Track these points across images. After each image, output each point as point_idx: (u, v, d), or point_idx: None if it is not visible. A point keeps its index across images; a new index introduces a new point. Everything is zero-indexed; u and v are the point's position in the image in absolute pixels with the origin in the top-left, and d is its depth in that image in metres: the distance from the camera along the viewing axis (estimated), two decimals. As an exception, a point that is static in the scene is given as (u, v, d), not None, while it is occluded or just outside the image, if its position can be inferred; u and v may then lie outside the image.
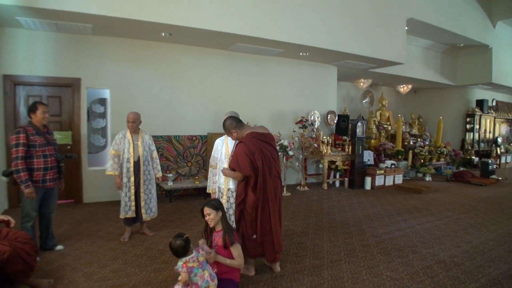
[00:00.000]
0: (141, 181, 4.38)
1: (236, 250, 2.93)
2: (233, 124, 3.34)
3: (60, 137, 5.90)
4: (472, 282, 3.37)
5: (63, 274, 3.36)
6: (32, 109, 3.72)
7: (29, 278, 2.96)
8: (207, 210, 2.97)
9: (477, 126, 12.53)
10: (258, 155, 3.20)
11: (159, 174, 4.61)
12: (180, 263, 2.70)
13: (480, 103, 12.60)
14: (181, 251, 2.73)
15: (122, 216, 4.38)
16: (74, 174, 6.03)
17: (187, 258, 2.73)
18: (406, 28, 8.36)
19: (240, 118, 3.94)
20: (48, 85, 5.84)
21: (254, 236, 3.30)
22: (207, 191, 4.12)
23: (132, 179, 4.33)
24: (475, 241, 4.58)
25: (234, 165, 3.26)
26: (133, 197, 4.34)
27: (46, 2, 4.54)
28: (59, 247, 4.01)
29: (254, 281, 3.33)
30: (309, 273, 3.53)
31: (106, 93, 6.35)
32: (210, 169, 4.05)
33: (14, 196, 5.45)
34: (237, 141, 3.45)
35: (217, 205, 3.01)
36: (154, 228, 4.80)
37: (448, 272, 3.59)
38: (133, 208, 4.35)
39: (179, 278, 2.73)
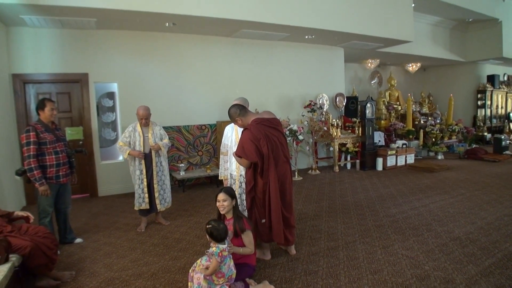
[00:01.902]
0: (154, 173, 4.41)
1: (247, 237, 2.95)
2: (237, 112, 3.33)
3: (72, 132, 5.98)
4: (489, 258, 3.36)
5: (83, 266, 3.43)
6: (40, 106, 3.74)
7: (52, 271, 3.02)
8: (222, 196, 2.99)
9: (488, 102, 12.32)
10: (264, 141, 3.18)
11: (159, 143, 4.43)
12: (217, 250, 2.69)
13: (491, 79, 12.35)
14: (224, 235, 2.76)
15: (136, 208, 4.44)
16: (88, 169, 6.12)
17: (224, 246, 2.74)
18: (413, 5, 8.19)
19: (249, 104, 3.96)
20: (56, 82, 5.89)
21: (263, 220, 3.32)
22: (219, 178, 4.17)
23: (144, 171, 4.36)
24: (490, 217, 4.54)
25: (240, 152, 3.25)
26: (146, 189, 4.38)
27: (49, -1, 4.55)
28: (78, 240, 4.09)
29: (271, 264, 3.37)
30: (324, 254, 3.55)
31: (114, 87, 6.38)
32: (221, 156, 4.08)
33: (31, 193, 5.55)
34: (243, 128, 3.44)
35: (233, 193, 3.05)
36: (169, 217, 4.86)
37: (464, 249, 3.58)
38: (146, 200, 4.39)
39: (203, 263, 2.73)
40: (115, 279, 3.16)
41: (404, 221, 4.49)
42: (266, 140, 3.20)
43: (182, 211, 5.23)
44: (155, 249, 3.81)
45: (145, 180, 4.36)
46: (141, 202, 4.40)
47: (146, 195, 4.39)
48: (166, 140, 4.51)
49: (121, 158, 6.42)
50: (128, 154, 4.29)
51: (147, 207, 4.41)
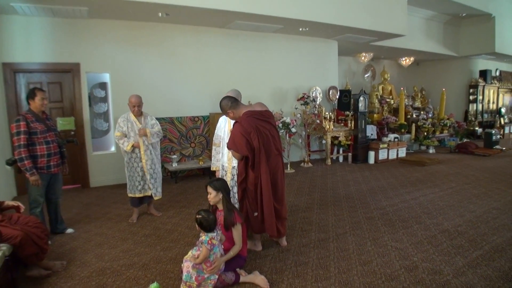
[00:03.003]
0: (147, 163, 4.39)
1: (236, 231, 2.95)
2: (228, 104, 3.32)
3: (63, 123, 5.92)
4: (476, 250, 3.41)
5: (74, 256, 3.43)
6: (30, 95, 3.70)
7: (42, 260, 3.01)
8: (209, 189, 3.01)
9: (480, 97, 12.43)
10: (254, 134, 3.17)
11: (147, 129, 4.36)
12: (206, 238, 2.74)
13: (484, 74, 12.44)
14: (213, 226, 2.79)
15: (129, 194, 4.43)
16: (80, 159, 6.07)
17: (213, 235, 2.78)
18: (407, -2, 8.18)
19: (241, 97, 3.95)
20: (47, 71, 5.81)
21: (255, 214, 3.33)
22: (212, 169, 4.17)
23: (144, 160, 4.35)
24: (479, 210, 4.60)
25: (231, 145, 3.25)
26: (141, 177, 4.37)
27: (40, -14, 4.48)
28: (69, 230, 4.07)
29: (262, 255, 3.39)
30: (315, 246, 3.58)
31: (106, 77, 6.31)
32: (213, 147, 4.07)
33: (22, 183, 5.48)
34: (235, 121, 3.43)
35: (218, 186, 3.01)
36: (161, 209, 4.86)
37: (452, 241, 3.62)
38: (139, 187, 4.39)
39: (194, 253, 2.76)
40: (106, 269, 3.16)
41: (394, 213, 4.54)
42: (257, 133, 3.19)
43: (174, 202, 5.23)
44: (146, 240, 3.81)
45: (145, 167, 4.34)
46: (135, 190, 4.38)
47: (142, 182, 4.37)
48: (156, 129, 4.47)
49: (113, 148, 6.38)
50: (132, 147, 4.27)
51: (141, 194, 4.40)
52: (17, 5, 4.96)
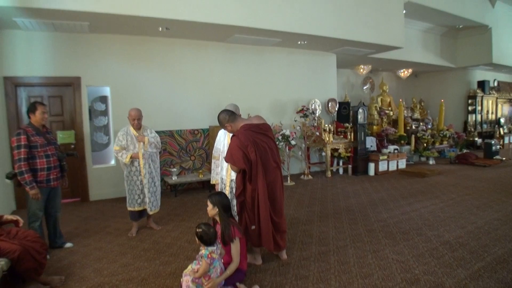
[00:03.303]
0: (145, 176, 4.38)
1: (235, 246, 2.93)
2: (226, 118, 3.34)
3: (63, 136, 5.93)
4: (478, 262, 3.38)
5: (73, 271, 3.40)
6: (31, 109, 3.71)
7: (40, 275, 2.99)
8: (207, 201, 3.02)
9: (479, 108, 12.46)
10: (251, 147, 3.18)
11: (146, 137, 4.37)
12: (206, 252, 2.73)
13: (482, 84, 12.50)
14: (213, 239, 2.79)
15: (129, 208, 4.41)
16: (79, 173, 6.06)
17: (213, 248, 2.77)
18: (404, 11, 8.27)
19: (240, 110, 3.98)
20: (48, 85, 5.85)
21: (253, 227, 3.32)
22: (211, 183, 4.17)
23: (143, 172, 4.35)
24: (480, 221, 4.58)
25: (228, 159, 3.27)
26: (140, 191, 4.37)
27: (42, 2, 4.53)
28: (68, 244, 4.05)
29: (262, 269, 3.36)
30: (315, 259, 3.55)
31: (107, 91, 6.35)
32: (213, 160, 4.08)
33: (21, 197, 5.48)
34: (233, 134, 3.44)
35: (215, 201, 3.01)
36: (160, 222, 4.83)
37: (453, 253, 3.60)
38: (139, 201, 4.38)
39: (195, 267, 2.75)
40: (105, 284, 3.13)
41: (395, 225, 4.51)
42: (254, 146, 3.20)
43: (174, 215, 5.20)
44: (146, 254, 3.78)
45: (144, 180, 4.34)
46: (135, 203, 4.37)
47: (141, 196, 4.37)
48: (154, 140, 4.45)
49: (113, 162, 6.38)
50: (130, 157, 4.27)
51: (141, 208, 4.39)
52: (19, 20, 5.02)
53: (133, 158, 4.30)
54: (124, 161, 4.28)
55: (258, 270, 3.34)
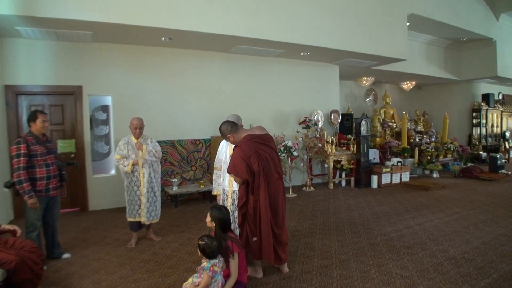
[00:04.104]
0: (145, 186, 4.35)
1: (233, 260, 2.90)
2: (228, 128, 3.33)
3: (64, 145, 5.91)
4: (484, 278, 3.31)
5: (71, 282, 3.35)
6: (31, 118, 3.71)
7: (37, 286, 2.95)
8: (208, 213, 3.01)
9: (484, 121, 12.38)
10: (254, 158, 3.16)
11: (144, 145, 4.32)
12: (208, 265, 2.70)
13: (486, 97, 12.45)
14: (216, 252, 2.77)
15: (129, 218, 4.37)
16: (79, 182, 6.02)
17: (215, 261, 2.75)
18: (408, 24, 8.30)
19: (242, 121, 3.96)
20: (49, 94, 5.85)
21: (254, 239, 3.28)
22: (213, 194, 4.14)
23: (139, 183, 4.32)
24: (486, 236, 4.50)
25: (231, 170, 3.25)
26: (139, 201, 4.33)
27: (45, 11, 4.55)
28: (66, 255, 4.00)
29: (262, 282, 3.30)
30: (317, 273, 3.49)
31: (108, 100, 6.35)
32: (215, 171, 4.05)
33: (19, 206, 5.42)
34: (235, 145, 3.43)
35: (213, 216, 3.02)
36: (160, 233, 4.78)
37: (459, 269, 3.53)
38: (139, 211, 4.34)
39: (195, 280, 2.71)
40: (102, 296, 3.08)
41: (398, 239, 4.44)
42: (257, 157, 3.19)
43: (174, 227, 5.15)
44: (145, 266, 3.73)
45: (139, 192, 4.30)
46: (135, 213, 4.34)
47: (141, 206, 4.33)
48: (155, 149, 4.42)
49: (113, 172, 6.34)
50: (132, 164, 4.24)
51: (140, 219, 4.34)
52: (21, 29, 5.04)
53: (135, 165, 4.27)
54: (126, 169, 4.24)
55: (259, 283, 3.29)
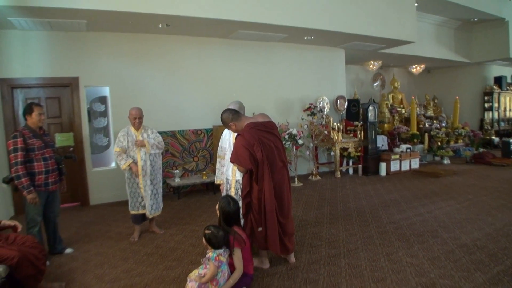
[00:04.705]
0: (147, 178, 4.27)
1: (236, 255, 2.86)
2: (229, 117, 3.27)
3: (62, 138, 5.81)
4: (497, 265, 3.26)
5: (74, 277, 3.34)
6: (27, 111, 3.64)
7: (40, 282, 2.94)
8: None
9: (496, 105, 12.15)
10: (257, 147, 3.11)
11: (145, 139, 4.25)
12: (214, 255, 2.69)
13: (499, 80, 12.21)
14: (221, 242, 2.76)
15: (131, 211, 4.33)
16: (79, 176, 5.96)
17: (220, 251, 2.73)
18: (416, 4, 8.10)
19: (245, 109, 3.85)
20: (46, 86, 5.77)
21: (260, 229, 3.24)
22: (215, 183, 4.10)
23: (141, 175, 4.25)
24: (499, 223, 4.41)
25: (234, 159, 3.20)
26: (141, 194, 4.27)
27: (38, 0, 4.45)
28: (68, 250, 3.97)
29: (269, 273, 3.28)
30: (325, 262, 3.46)
31: (106, 91, 6.25)
32: (218, 159, 4.02)
33: (19, 202, 5.37)
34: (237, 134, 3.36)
35: (220, 206, 3.00)
36: (163, 226, 4.74)
37: (471, 256, 3.48)
38: (142, 203, 4.29)
39: (201, 271, 2.68)
40: (106, 290, 3.07)
41: (408, 227, 4.36)
42: (261, 145, 3.13)
43: (177, 219, 5.10)
44: (148, 259, 3.72)
45: (140, 184, 4.24)
46: (138, 206, 4.30)
47: (142, 199, 4.28)
48: (156, 140, 4.36)
49: (113, 164, 6.26)
50: (128, 167, 4.18)
51: (143, 211, 4.29)
52: (14, 20, 4.94)
53: (132, 169, 4.20)
54: (122, 167, 4.20)
55: (265, 274, 3.25)
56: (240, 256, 2.84)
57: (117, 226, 4.87)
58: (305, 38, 7.40)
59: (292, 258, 3.49)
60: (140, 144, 4.20)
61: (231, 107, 3.66)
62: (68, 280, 3.26)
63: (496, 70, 12.46)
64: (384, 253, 3.62)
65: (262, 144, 3.15)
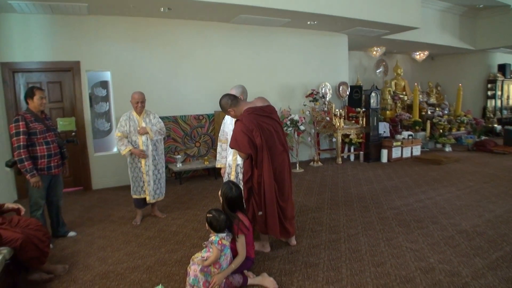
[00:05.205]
0: (149, 163, 4.29)
1: (239, 241, 2.85)
2: (228, 102, 3.25)
3: (64, 123, 5.82)
4: (496, 251, 3.27)
5: (77, 260, 3.37)
6: (29, 94, 3.63)
7: (44, 264, 2.96)
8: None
9: (499, 93, 12.05)
10: (257, 131, 3.09)
11: (147, 126, 4.27)
12: (216, 238, 2.69)
13: (502, 68, 12.07)
14: (223, 226, 2.75)
15: (134, 196, 4.36)
16: (81, 161, 5.98)
17: (223, 235, 2.73)
18: (420, -11, 7.94)
19: (247, 93, 3.84)
20: (47, 71, 5.72)
21: (260, 213, 3.25)
22: (216, 166, 4.09)
23: (143, 160, 4.26)
24: (499, 210, 4.42)
25: (233, 145, 3.19)
26: (143, 178, 4.29)
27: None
28: (72, 233, 4.00)
29: (270, 257, 3.30)
30: (326, 247, 3.48)
31: (107, 76, 6.20)
32: (219, 143, 4.00)
33: (22, 186, 5.39)
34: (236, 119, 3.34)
35: (222, 192, 2.96)
36: (165, 210, 4.77)
37: (470, 242, 3.49)
38: (144, 188, 4.31)
39: (204, 255, 2.69)
40: (109, 272, 3.11)
41: (408, 213, 4.37)
42: (260, 130, 3.12)
43: (179, 203, 5.12)
44: (150, 242, 3.75)
45: (143, 168, 4.26)
46: (140, 191, 4.33)
47: (145, 184, 4.30)
48: (159, 126, 4.36)
49: (115, 149, 6.26)
50: (129, 152, 4.18)
51: (145, 196, 4.32)
52: (14, 3, 4.87)
53: (134, 153, 4.21)
54: (122, 153, 4.21)
55: (266, 258, 3.28)
56: (243, 242, 2.84)
57: (119, 210, 4.90)
58: (308, 23, 7.30)
59: (293, 241, 3.52)
60: (143, 132, 4.20)
61: (234, 91, 3.64)
62: (72, 262, 3.29)
63: (501, 57, 12.31)
64: (384, 238, 3.64)
65: (261, 129, 3.13)
